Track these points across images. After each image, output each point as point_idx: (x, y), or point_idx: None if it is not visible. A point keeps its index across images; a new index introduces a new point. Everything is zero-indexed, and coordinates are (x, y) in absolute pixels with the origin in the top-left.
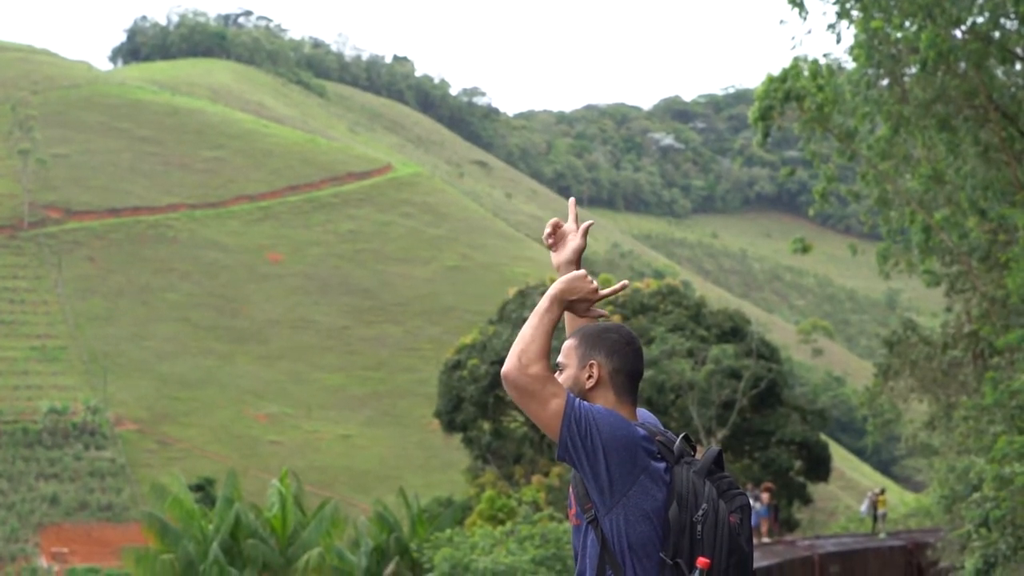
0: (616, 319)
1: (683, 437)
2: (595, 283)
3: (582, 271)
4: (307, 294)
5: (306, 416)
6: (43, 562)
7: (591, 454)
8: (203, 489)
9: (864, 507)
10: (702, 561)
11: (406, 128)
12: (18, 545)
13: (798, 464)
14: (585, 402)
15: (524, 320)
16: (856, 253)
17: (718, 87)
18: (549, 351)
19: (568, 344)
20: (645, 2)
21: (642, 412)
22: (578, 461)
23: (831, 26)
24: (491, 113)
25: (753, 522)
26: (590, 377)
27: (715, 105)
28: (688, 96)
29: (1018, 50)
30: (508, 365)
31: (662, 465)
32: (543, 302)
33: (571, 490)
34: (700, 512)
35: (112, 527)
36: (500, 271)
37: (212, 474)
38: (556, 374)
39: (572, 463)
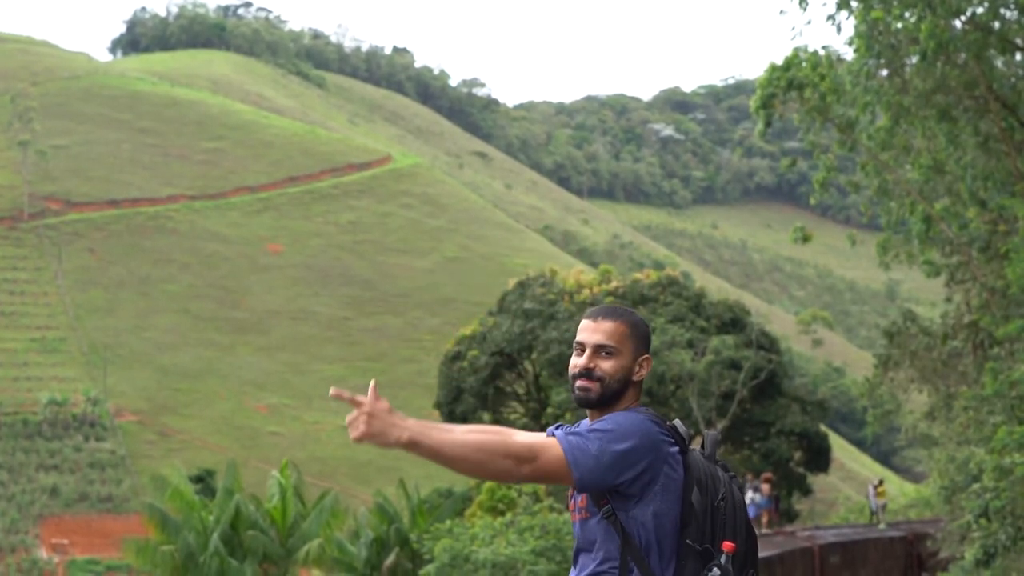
0: None
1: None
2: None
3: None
4: (307, 285)
5: (306, 407)
6: (43, 553)
7: (631, 477)
8: (203, 480)
9: (873, 503)
10: (728, 545)
11: (406, 119)
12: (18, 536)
13: (798, 455)
14: (597, 433)
15: (524, 312)
16: (855, 244)
17: (718, 78)
18: (485, 449)
19: (617, 330)
20: None
21: None
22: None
23: (831, 17)
24: (491, 104)
25: (753, 513)
26: (639, 371)
27: (715, 96)
28: (688, 87)
29: (1018, 40)
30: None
31: (675, 449)
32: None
33: None
34: (720, 496)
35: (112, 518)
36: (500, 262)
37: (212, 465)
38: (603, 355)
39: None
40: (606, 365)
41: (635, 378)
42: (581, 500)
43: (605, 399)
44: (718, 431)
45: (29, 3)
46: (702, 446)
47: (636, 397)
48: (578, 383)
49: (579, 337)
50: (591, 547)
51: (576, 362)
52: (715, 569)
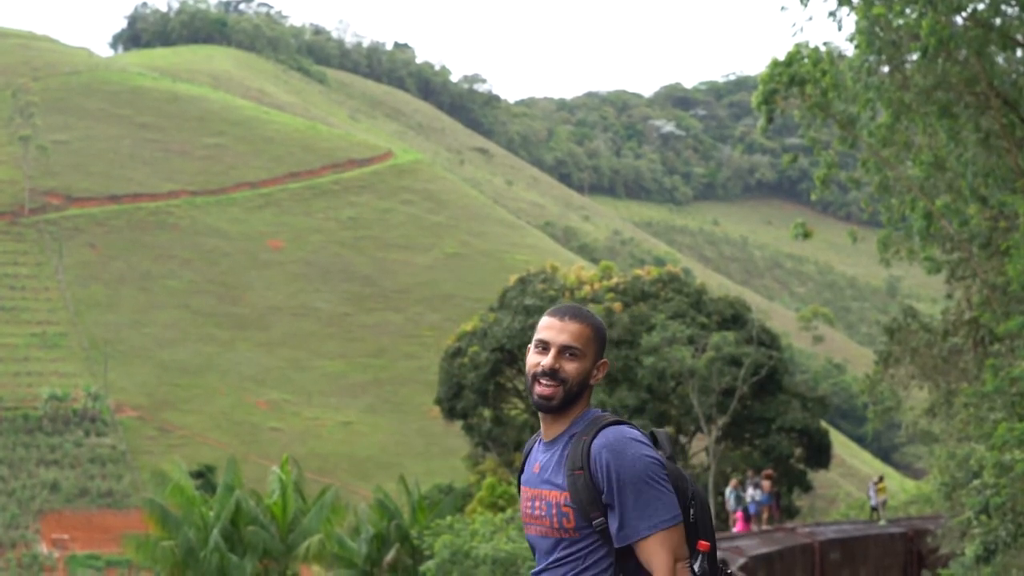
0: (617, 307)
1: None
2: None
3: None
4: (308, 281)
5: (307, 403)
6: (43, 548)
7: None
8: (203, 476)
9: (873, 499)
10: (703, 544)
11: (407, 115)
12: (18, 531)
13: (798, 451)
14: (660, 479)
15: (525, 308)
16: (856, 240)
17: (719, 74)
18: None
19: (583, 332)
20: None
21: None
22: None
23: (832, 13)
24: (492, 100)
25: (753, 510)
26: (596, 375)
27: (716, 92)
28: (689, 83)
29: (1019, 36)
30: None
31: None
32: None
33: (559, 502)
34: (691, 496)
35: (113, 514)
36: (500, 258)
37: (213, 461)
38: (567, 356)
39: None
40: (570, 367)
41: (592, 382)
42: (567, 520)
43: (565, 404)
44: (664, 430)
45: None
46: (653, 444)
47: (588, 400)
48: (540, 386)
49: (543, 335)
50: (571, 565)
51: (539, 361)
52: (693, 569)
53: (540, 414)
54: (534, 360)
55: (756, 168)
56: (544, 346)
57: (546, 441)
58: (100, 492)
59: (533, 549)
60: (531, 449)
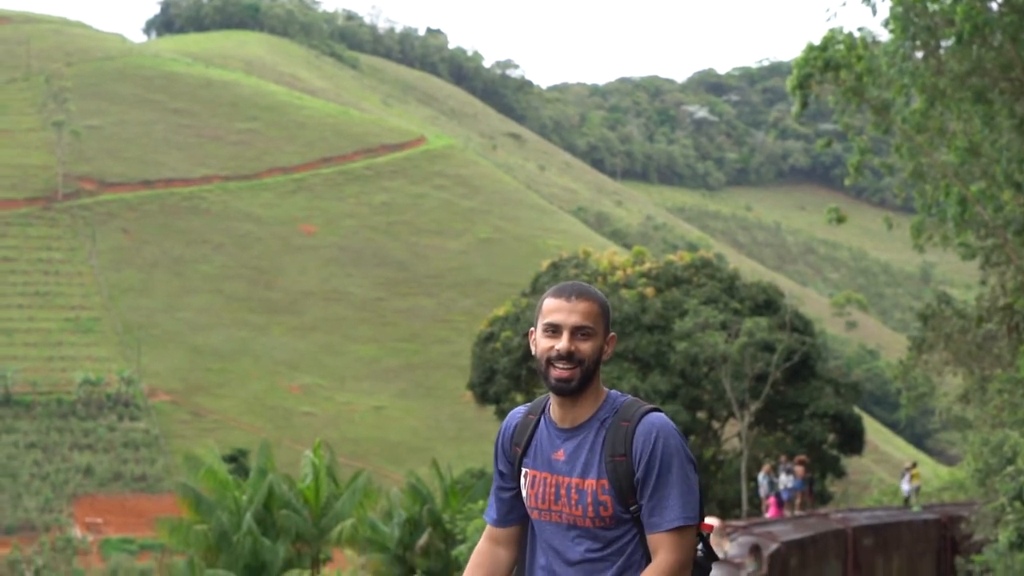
0: (650, 292)
1: None
2: None
3: None
4: (340, 266)
5: (339, 387)
6: (77, 532)
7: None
8: (236, 460)
9: (905, 488)
10: (707, 525)
11: (439, 100)
12: (52, 515)
13: (831, 437)
14: (687, 458)
15: None
16: (891, 226)
17: (752, 60)
18: None
19: (592, 310)
20: None
21: None
22: None
23: None
24: (524, 85)
25: (786, 496)
26: (607, 350)
27: (749, 78)
28: (722, 69)
29: None
30: None
31: None
32: None
33: (596, 490)
34: None
35: (146, 498)
36: (533, 243)
37: (245, 445)
38: (580, 337)
39: None
40: (584, 347)
41: (604, 358)
42: (604, 508)
43: (583, 384)
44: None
45: None
46: None
47: (600, 377)
48: (557, 369)
49: (552, 319)
50: (615, 555)
51: (553, 345)
52: (698, 551)
53: (557, 398)
54: (547, 344)
55: (789, 153)
56: (554, 329)
57: (564, 427)
58: (133, 476)
59: (534, 538)
60: (532, 431)
